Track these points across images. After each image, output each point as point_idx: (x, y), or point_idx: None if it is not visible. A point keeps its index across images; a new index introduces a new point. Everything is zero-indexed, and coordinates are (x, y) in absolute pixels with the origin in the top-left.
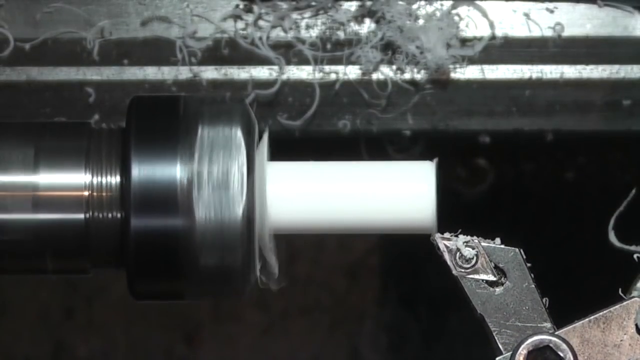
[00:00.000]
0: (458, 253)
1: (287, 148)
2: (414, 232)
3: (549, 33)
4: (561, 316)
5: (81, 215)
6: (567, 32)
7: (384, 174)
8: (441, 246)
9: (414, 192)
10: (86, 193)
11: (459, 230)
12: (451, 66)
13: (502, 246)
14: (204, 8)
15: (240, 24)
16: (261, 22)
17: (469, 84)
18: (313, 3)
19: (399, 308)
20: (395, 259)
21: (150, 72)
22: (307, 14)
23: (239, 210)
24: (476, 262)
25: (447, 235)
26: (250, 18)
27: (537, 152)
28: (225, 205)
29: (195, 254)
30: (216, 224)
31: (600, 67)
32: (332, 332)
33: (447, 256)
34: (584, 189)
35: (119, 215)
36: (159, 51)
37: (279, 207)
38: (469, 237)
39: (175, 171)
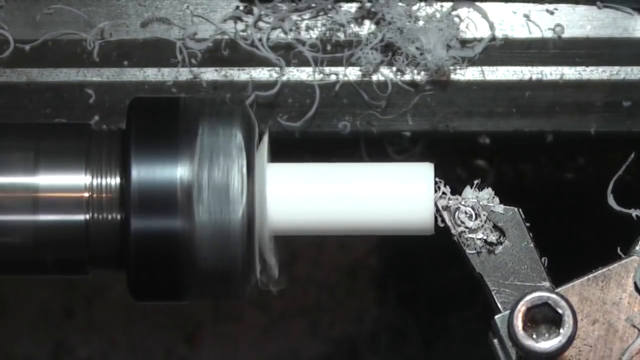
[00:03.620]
0: (457, 212)
1: (287, 149)
2: (413, 234)
3: (549, 34)
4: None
5: (81, 217)
6: (567, 34)
7: (384, 176)
8: (440, 205)
9: (413, 194)
10: (86, 194)
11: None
12: (451, 67)
13: (501, 206)
14: (204, 9)
15: (241, 26)
16: (261, 24)
17: (469, 85)
18: (313, 4)
19: (398, 308)
20: (395, 259)
21: (150, 74)
22: (307, 16)
23: (239, 211)
24: (475, 221)
25: (446, 195)
26: (250, 19)
27: (537, 153)
28: (225, 206)
29: (195, 256)
30: (216, 226)
31: (601, 69)
32: (332, 332)
33: (446, 215)
34: (584, 190)
35: (119, 216)
36: (159, 52)
37: (278, 208)
38: (468, 197)
39: (175, 172)
